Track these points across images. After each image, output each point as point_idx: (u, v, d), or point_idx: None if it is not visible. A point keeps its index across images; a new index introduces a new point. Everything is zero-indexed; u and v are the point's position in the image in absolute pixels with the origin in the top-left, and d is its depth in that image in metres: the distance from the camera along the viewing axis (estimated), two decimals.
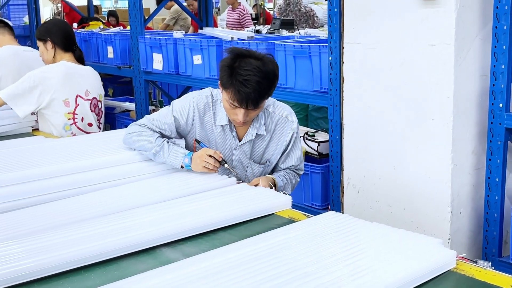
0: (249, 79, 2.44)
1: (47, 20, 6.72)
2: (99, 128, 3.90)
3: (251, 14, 8.99)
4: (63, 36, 3.81)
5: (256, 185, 2.55)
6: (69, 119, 3.66)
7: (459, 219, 3.09)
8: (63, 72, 3.66)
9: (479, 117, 3.06)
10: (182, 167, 2.60)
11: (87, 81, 3.81)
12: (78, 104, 3.71)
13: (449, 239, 3.04)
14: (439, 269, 1.72)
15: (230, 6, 9.38)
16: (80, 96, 3.73)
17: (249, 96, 2.45)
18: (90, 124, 3.78)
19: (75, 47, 3.89)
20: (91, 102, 3.79)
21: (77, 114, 3.71)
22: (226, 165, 2.58)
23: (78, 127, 3.71)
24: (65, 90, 3.65)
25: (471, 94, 3.02)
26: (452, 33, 2.87)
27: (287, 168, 2.82)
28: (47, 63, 3.84)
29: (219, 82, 2.56)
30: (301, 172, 2.88)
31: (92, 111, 3.80)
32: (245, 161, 2.75)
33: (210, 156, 2.55)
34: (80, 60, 3.88)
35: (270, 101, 2.76)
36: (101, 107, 3.92)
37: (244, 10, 9.18)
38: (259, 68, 2.46)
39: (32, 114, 3.70)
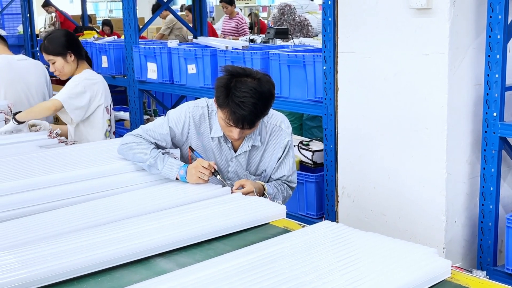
0: (245, 101, 2.43)
1: (46, 32, 6.75)
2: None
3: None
4: (78, 45, 3.82)
5: (242, 186, 2.54)
6: (109, 125, 3.77)
7: (454, 228, 3.09)
8: (102, 79, 3.77)
9: (473, 126, 3.07)
10: (177, 178, 2.59)
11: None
12: (111, 112, 3.83)
13: (443, 248, 3.04)
14: (434, 279, 1.71)
15: (227, 15, 9.43)
16: (111, 104, 3.85)
17: (245, 118, 2.46)
18: (114, 133, 3.84)
19: (85, 53, 3.91)
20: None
21: (110, 121, 3.82)
22: (218, 176, 2.57)
23: (112, 133, 3.83)
24: (106, 97, 3.75)
25: (465, 103, 3.03)
26: (446, 43, 2.89)
27: (279, 179, 2.80)
28: (65, 77, 3.81)
29: (214, 99, 2.56)
30: (294, 185, 2.85)
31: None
32: (241, 173, 2.75)
33: (205, 167, 2.54)
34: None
35: None
36: None
37: (242, 19, 9.24)
38: (255, 90, 2.45)
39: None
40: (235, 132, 2.54)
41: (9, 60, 4.25)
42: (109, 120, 3.80)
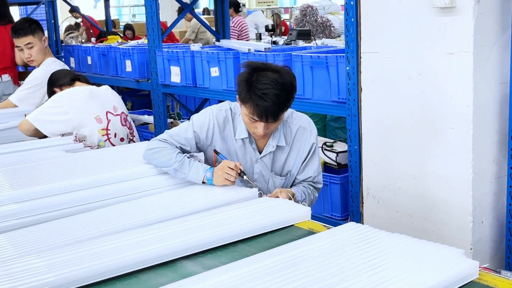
0: (267, 92, 2.44)
1: (71, 37, 6.99)
2: (133, 142, 3.91)
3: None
4: (61, 76, 3.93)
5: (276, 197, 2.54)
6: (103, 135, 3.69)
7: (481, 229, 3.06)
8: (87, 91, 3.73)
9: (499, 125, 3.03)
10: (203, 182, 2.59)
11: (111, 98, 3.85)
12: (110, 120, 3.74)
13: (471, 249, 3.01)
14: (462, 280, 1.69)
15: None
16: (110, 112, 3.77)
17: (268, 110, 2.46)
18: (122, 139, 3.81)
19: (78, 75, 3.98)
20: (120, 117, 3.83)
21: (110, 130, 3.73)
22: (245, 177, 2.58)
23: (111, 143, 3.72)
24: (94, 108, 3.68)
25: (491, 102, 2.99)
26: (471, 41, 2.85)
27: (305, 180, 2.79)
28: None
29: (237, 96, 2.57)
30: (320, 186, 2.85)
31: (123, 125, 3.84)
32: (266, 174, 2.75)
33: (231, 168, 2.55)
34: (89, 83, 3.97)
35: (288, 112, 2.76)
36: (130, 121, 3.94)
37: (233, 23, 9.23)
38: (276, 81, 2.47)
39: (63, 135, 3.71)
40: (260, 128, 2.54)
41: (62, 66, 4.46)
42: (104, 129, 3.68)
